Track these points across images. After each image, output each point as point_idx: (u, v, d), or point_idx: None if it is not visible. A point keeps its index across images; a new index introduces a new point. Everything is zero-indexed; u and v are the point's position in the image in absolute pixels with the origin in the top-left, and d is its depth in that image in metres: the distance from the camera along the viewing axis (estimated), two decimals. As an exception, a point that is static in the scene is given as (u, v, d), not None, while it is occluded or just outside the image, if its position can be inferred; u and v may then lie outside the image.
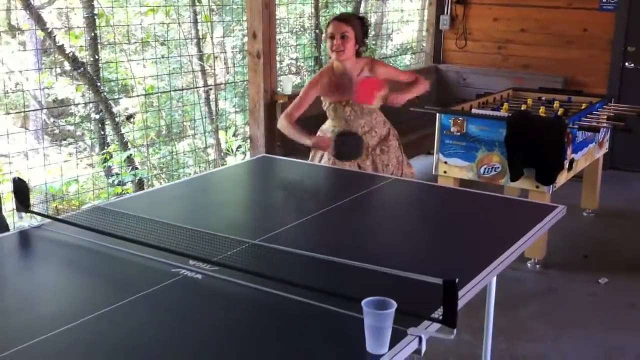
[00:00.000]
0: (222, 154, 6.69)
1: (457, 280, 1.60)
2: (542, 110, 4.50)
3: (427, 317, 1.67)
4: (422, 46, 7.53)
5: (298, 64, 8.22)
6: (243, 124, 6.54)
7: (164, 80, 6.21)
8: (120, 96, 7.46)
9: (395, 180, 3.21)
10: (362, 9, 8.45)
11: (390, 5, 8.64)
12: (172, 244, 2.10)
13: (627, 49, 6.08)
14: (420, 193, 3.12)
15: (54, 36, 5.82)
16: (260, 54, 4.74)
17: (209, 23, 7.23)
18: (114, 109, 6.53)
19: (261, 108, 4.82)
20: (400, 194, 3.06)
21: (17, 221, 2.65)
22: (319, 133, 3.73)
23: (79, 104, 7.94)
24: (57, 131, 8.35)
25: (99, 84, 6.13)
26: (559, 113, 4.45)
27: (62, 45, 5.86)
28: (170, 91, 6.58)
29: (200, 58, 7.14)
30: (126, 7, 6.66)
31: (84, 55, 6.16)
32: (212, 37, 7.36)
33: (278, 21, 6.17)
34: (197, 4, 7.24)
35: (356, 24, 3.59)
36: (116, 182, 5.98)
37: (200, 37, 7.26)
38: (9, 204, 3.33)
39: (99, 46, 6.41)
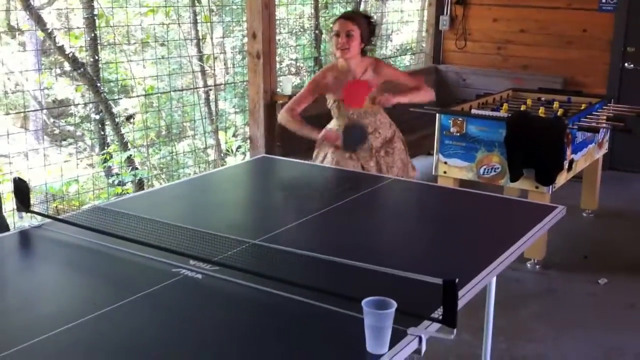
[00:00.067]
0: (222, 155, 6.69)
1: (457, 280, 1.60)
2: (541, 111, 4.50)
3: (427, 317, 1.67)
4: (421, 47, 7.52)
5: (298, 64, 8.23)
6: (243, 124, 6.54)
7: (163, 81, 6.21)
8: (120, 96, 7.46)
9: (395, 180, 3.21)
10: (361, 10, 8.44)
11: (390, 5, 8.63)
12: (172, 244, 2.09)
13: (626, 50, 6.08)
14: (420, 193, 3.12)
15: (54, 37, 5.82)
16: (260, 54, 4.75)
17: (208, 23, 7.22)
18: (114, 110, 6.53)
19: (261, 108, 4.82)
20: (400, 194, 3.06)
21: (18, 221, 2.65)
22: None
23: (78, 104, 7.95)
24: (57, 131, 8.35)
25: (98, 84, 6.13)
26: (559, 113, 4.45)
27: (62, 45, 5.85)
28: (170, 92, 6.58)
29: (200, 58, 7.14)
30: (126, 7, 6.67)
31: (83, 56, 6.16)
32: (211, 38, 7.35)
33: (278, 22, 6.18)
34: (197, 4, 7.24)
35: (362, 23, 3.59)
36: (116, 182, 5.98)
37: (200, 37, 7.27)
38: (9, 204, 3.33)
39: (99, 47, 6.40)
